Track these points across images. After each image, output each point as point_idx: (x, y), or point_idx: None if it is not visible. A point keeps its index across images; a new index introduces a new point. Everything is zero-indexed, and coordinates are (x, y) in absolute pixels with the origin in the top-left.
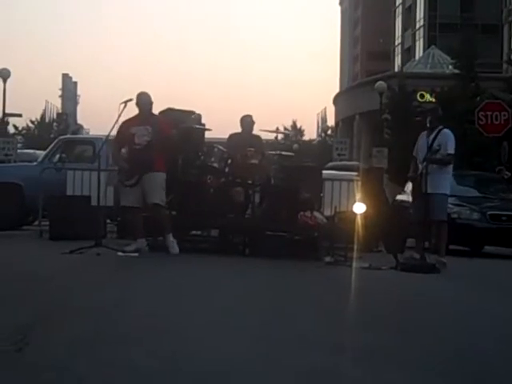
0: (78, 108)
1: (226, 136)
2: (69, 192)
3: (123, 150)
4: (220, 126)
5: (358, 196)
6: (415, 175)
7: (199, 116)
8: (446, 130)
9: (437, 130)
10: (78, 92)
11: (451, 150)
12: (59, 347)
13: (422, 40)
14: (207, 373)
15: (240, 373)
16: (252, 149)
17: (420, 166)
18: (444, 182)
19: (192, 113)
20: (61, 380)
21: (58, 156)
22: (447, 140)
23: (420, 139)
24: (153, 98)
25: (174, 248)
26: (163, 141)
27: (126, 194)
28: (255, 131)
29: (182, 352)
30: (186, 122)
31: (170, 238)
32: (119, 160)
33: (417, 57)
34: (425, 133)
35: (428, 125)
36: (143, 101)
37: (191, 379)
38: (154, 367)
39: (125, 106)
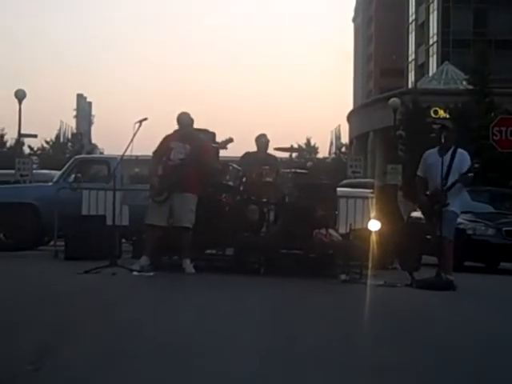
0: (93, 128)
1: (240, 155)
2: (84, 212)
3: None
4: (234, 145)
5: (373, 213)
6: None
7: (213, 134)
8: (461, 150)
9: (452, 149)
10: (93, 112)
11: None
12: (77, 367)
13: (435, 56)
14: None
15: None
16: (267, 167)
17: (435, 184)
18: (456, 201)
19: (206, 131)
20: None
21: (73, 176)
22: (466, 159)
23: (428, 158)
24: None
25: (190, 269)
26: (199, 164)
27: (153, 211)
28: (269, 150)
29: (197, 368)
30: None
31: (188, 262)
32: (152, 174)
33: (430, 73)
34: (433, 151)
35: (442, 141)
36: (182, 121)
37: None
38: None
39: (140, 126)
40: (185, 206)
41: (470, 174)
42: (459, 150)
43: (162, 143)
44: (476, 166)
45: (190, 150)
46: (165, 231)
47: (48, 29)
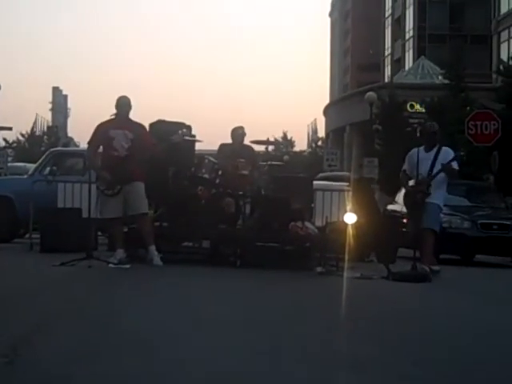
0: (69, 121)
1: (216, 147)
2: (60, 204)
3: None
4: (211, 137)
5: (349, 206)
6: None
7: (189, 127)
8: (446, 148)
9: (436, 146)
10: (69, 105)
11: (456, 166)
12: (51, 360)
13: (411, 51)
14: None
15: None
16: (242, 160)
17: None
18: (439, 194)
19: (182, 124)
20: None
21: (48, 168)
22: (451, 155)
23: (414, 154)
24: (135, 101)
25: (157, 260)
26: (145, 153)
27: (106, 204)
28: (246, 142)
29: (174, 362)
30: (175, 137)
31: (153, 249)
32: (97, 166)
33: (406, 67)
34: (419, 149)
35: (425, 137)
36: (122, 103)
37: None
38: (145, 378)
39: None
40: (138, 194)
41: (454, 167)
42: (444, 148)
43: (96, 132)
44: (462, 153)
45: (132, 138)
46: (123, 222)
47: (23, 20)
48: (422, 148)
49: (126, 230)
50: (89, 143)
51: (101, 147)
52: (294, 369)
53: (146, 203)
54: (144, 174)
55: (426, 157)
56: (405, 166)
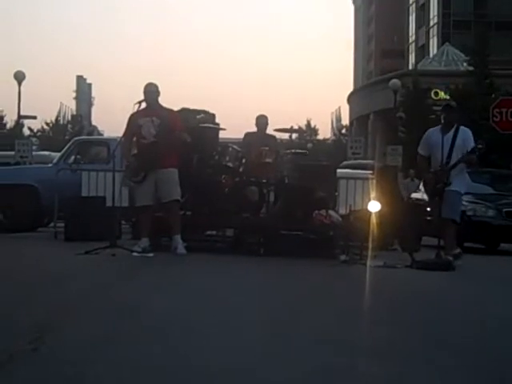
0: (93, 109)
1: (241, 136)
2: (84, 193)
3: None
4: (235, 126)
5: (373, 194)
6: (436, 175)
7: (213, 115)
8: (464, 128)
9: (454, 127)
10: (93, 94)
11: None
12: (76, 346)
13: (435, 37)
14: (219, 370)
15: (253, 370)
16: (266, 148)
17: (437, 163)
18: (459, 181)
19: (206, 112)
20: (78, 378)
21: (73, 157)
22: (469, 136)
23: (431, 136)
24: (160, 89)
25: (182, 249)
26: (174, 138)
27: (137, 192)
28: (269, 131)
29: (193, 351)
30: (199, 120)
31: (179, 238)
32: (127, 156)
33: (431, 54)
34: (436, 129)
35: (442, 121)
36: (149, 89)
37: (203, 376)
38: (168, 365)
39: (139, 107)
40: (170, 180)
41: (474, 155)
42: (462, 128)
43: (129, 123)
44: (480, 146)
45: (159, 123)
46: (155, 210)
47: (48, 10)
48: (439, 129)
49: None
50: (123, 135)
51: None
52: (314, 354)
53: (178, 190)
54: (176, 160)
55: (445, 139)
56: (420, 148)
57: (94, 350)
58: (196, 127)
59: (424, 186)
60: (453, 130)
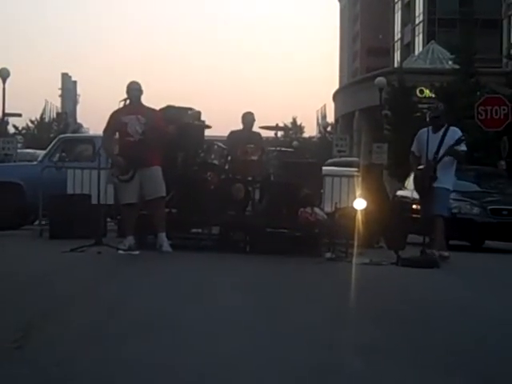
0: (78, 107)
1: (226, 134)
2: (69, 191)
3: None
4: (221, 124)
5: (359, 192)
6: (423, 170)
7: (199, 113)
8: (454, 128)
9: (444, 127)
10: (78, 91)
11: (464, 146)
12: (60, 344)
13: (421, 35)
14: (206, 369)
15: (241, 369)
16: (251, 145)
17: (424, 162)
18: (448, 178)
19: (192, 110)
20: (62, 376)
21: (58, 155)
22: (458, 135)
23: (422, 135)
24: (146, 87)
25: (167, 246)
26: (159, 137)
27: (123, 190)
28: (255, 129)
29: (182, 348)
30: (185, 118)
31: (164, 235)
32: (112, 153)
33: (416, 52)
34: (427, 129)
35: (427, 120)
36: (132, 87)
37: (190, 375)
38: (154, 363)
39: (124, 104)
40: (155, 178)
41: (461, 149)
42: (452, 128)
43: (110, 120)
44: (463, 139)
45: (145, 122)
46: (140, 208)
47: (33, 7)
48: (430, 129)
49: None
50: (104, 131)
51: (117, 135)
52: (298, 352)
53: (163, 187)
54: (160, 159)
55: (434, 138)
56: (413, 147)
57: (79, 349)
58: (182, 125)
59: (414, 183)
60: (443, 130)
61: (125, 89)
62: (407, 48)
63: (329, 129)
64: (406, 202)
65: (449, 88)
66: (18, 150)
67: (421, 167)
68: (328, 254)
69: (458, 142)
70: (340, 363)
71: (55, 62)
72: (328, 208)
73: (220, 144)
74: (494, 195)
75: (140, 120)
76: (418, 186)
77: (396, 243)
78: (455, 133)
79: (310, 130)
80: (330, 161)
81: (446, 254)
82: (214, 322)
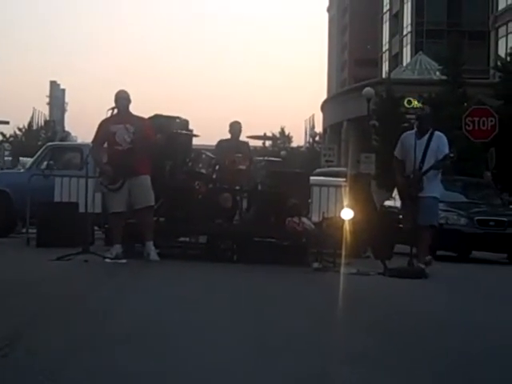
0: (66, 115)
1: (214, 143)
2: (56, 199)
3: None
4: (208, 133)
5: (346, 202)
6: (409, 180)
7: (186, 122)
8: (438, 133)
9: (429, 132)
10: (66, 99)
11: (447, 149)
12: (46, 353)
13: (409, 46)
14: (195, 377)
15: (229, 378)
16: (239, 154)
17: (411, 168)
18: (434, 186)
19: (180, 118)
20: None
21: (45, 163)
22: (444, 142)
23: (406, 140)
24: (131, 97)
25: (154, 255)
26: (148, 146)
27: (112, 199)
28: (243, 138)
29: (169, 356)
30: (172, 127)
31: (151, 244)
32: (101, 162)
33: (404, 63)
34: (411, 133)
35: (416, 128)
36: (120, 96)
37: (179, 382)
38: (142, 371)
39: (112, 112)
40: (143, 186)
41: (445, 153)
42: (437, 133)
43: (99, 129)
44: (451, 155)
45: (133, 131)
46: (127, 217)
47: (21, 14)
48: (413, 133)
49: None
50: (93, 141)
51: (106, 144)
52: (285, 360)
53: (152, 196)
54: (149, 167)
55: (419, 144)
56: (396, 151)
57: (66, 357)
58: (170, 133)
59: (398, 190)
60: (427, 135)
61: (113, 97)
62: (395, 59)
63: (317, 139)
64: (393, 211)
65: (436, 99)
66: (22, 158)
67: (406, 175)
68: (315, 264)
69: (445, 158)
70: (327, 372)
71: (43, 69)
72: (315, 218)
73: (208, 153)
74: (480, 206)
75: (128, 129)
76: (402, 194)
77: (383, 253)
78: (440, 138)
79: (299, 140)
80: (317, 170)
81: (427, 258)
82: (201, 331)
